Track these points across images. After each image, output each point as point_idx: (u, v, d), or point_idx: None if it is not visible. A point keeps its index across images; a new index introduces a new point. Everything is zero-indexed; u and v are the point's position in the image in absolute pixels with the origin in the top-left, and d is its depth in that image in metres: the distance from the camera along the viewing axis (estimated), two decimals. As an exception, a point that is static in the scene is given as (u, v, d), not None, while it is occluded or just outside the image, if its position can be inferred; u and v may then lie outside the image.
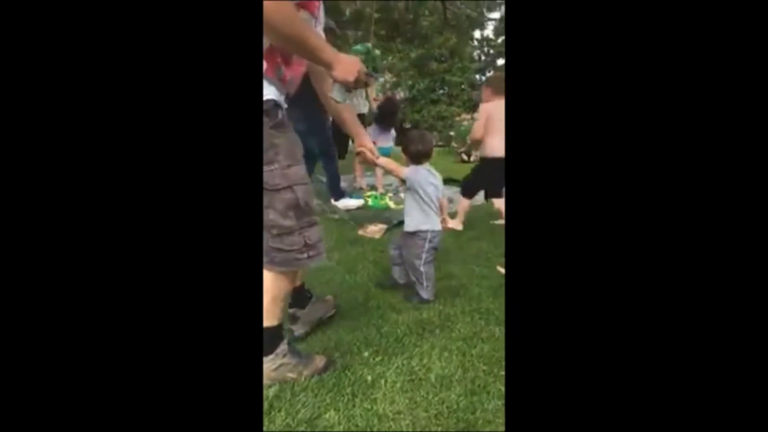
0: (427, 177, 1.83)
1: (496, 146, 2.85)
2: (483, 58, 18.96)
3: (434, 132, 11.36)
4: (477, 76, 17.94)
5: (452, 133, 10.15)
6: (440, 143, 10.57)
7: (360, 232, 2.89)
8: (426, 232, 1.84)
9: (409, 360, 1.40)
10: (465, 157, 7.87)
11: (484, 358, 1.42)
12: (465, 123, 10.52)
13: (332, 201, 3.63)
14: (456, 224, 3.04)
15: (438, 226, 1.88)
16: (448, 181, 5.28)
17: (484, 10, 6.44)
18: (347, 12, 6.22)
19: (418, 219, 1.84)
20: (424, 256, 1.83)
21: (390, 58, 14.34)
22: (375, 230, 2.90)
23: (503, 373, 1.33)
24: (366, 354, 1.42)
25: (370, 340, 1.51)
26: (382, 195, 3.98)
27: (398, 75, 15.12)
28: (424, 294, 1.83)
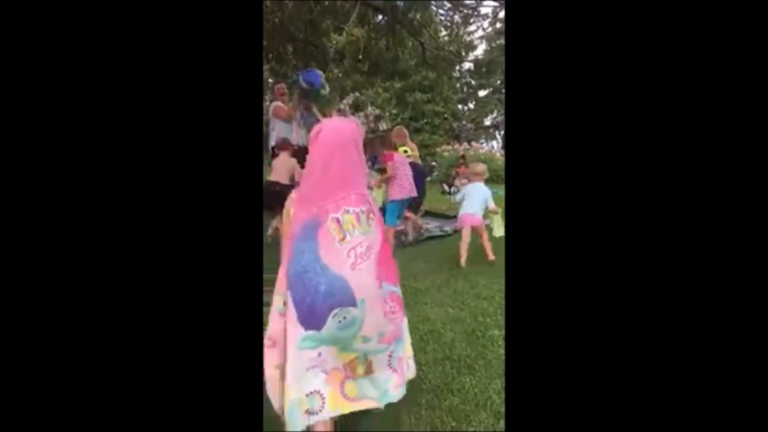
0: None
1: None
2: (465, 89, 19.60)
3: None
4: (459, 106, 18.53)
5: (434, 163, 10.23)
6: (423, 172, 10.64)
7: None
8: None
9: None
10: (446, 188, 7.52)
11: (453, 412, 1.41)
12: (446, 153, 10.64)
13: None
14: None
15: None
16: (429, 214, 5.25)
17: (462, 52, 6.72)
18: (331, 51, 6.43)
19: None
20: None
21: (375, 89, 14.70)
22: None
23: (471, 430, 1.33)
24: (334, 411, 1.40)
25: (339, 395, 1.49)
26: None
27: (381, 107, 15.48)
28: None
